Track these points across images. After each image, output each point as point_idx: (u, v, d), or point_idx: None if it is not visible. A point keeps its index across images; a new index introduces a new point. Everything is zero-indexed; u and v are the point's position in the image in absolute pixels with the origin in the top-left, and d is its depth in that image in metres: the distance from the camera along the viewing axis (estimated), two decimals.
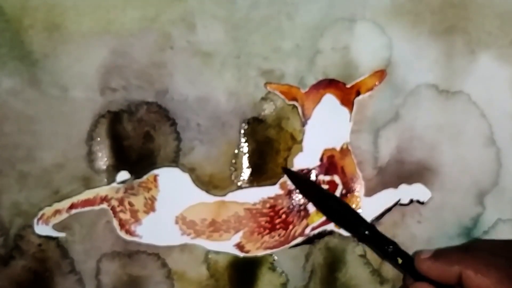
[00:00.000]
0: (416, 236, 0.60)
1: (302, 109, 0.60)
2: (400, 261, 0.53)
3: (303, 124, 0.60)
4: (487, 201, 0.60)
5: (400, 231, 0.60)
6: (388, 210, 0.60)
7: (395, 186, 0.60)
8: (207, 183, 0.59)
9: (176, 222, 0.58)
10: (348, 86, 0.60)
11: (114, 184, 0.59)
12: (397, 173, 0.60)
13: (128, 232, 0.58)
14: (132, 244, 0.59)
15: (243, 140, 0.60)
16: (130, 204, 0.58)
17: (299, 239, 0.59)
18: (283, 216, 0.59)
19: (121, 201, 0.58)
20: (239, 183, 0.60)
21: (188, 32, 0.59)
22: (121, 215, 0.58)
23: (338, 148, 0.59)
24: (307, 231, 0.59)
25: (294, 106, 0.60)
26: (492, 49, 0.60)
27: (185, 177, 0.59)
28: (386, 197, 0.60)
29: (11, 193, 0.58)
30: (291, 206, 0.59)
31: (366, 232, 0.55)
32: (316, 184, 0.58)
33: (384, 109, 0.58)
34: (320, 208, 0.58)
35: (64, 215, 0.58)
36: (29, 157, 0.58)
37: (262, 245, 0.59)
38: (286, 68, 0.60)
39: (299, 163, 0.60)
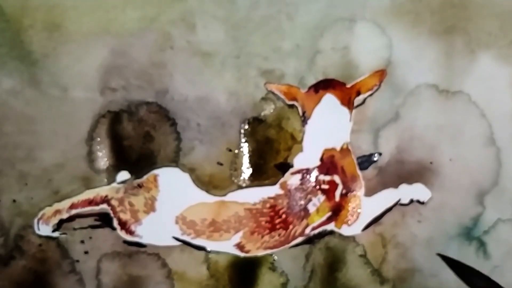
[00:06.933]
0: (416, 235, 0.60)
1: (302, 109, 0.60)
2: None
3: (303, 124, 0.60)
4: (487, 201, 0.60)
5: (400, 231, 0.60)
6: (388, 210, 0.60)
7: (395, 186, 0.60)
8: (207, 183, 0.59)
9: (176, 222, 0.58)
10: (348, 86, 0.60)
11: (114, 184, 0.59)
12: (397, 173, 0.60)
13: (128, 232, 0.58)
14: None
15: (243, 140, 0.60)
16: (130, 204, 0.58)
17: (299, 239, 0.59)
18: (283, 216, 0.59)
19: (121, 201, 0.58)
20: (239, 183, 0.60)
21: (188, 32, 0.59)
22: (121, 215, 0.58)
23: (338, 148, 0.59)
24: (307, 231, 0.59)
25: (294, 106, 0.60)
26: (492, 49, 0.60)
27: (185, 177, 0.59)
28: (386, 197, 0.60)
29: (11, 193, 0.58)
30: (291, 206, 0.59)
31: None
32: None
33: (384, 109, 0.58)
34: None
35: (65, 215, 0.58)
36: (29, 157, 0.58)
37: (262, 245, 0.59)
38: (286, 68, 0.60)
39: (299, 163, 0.60)
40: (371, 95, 0.60)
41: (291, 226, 0.59)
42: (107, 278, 0.59)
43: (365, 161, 0.60)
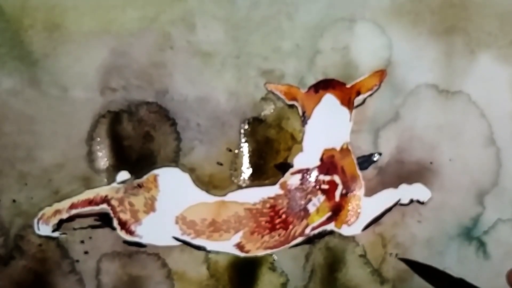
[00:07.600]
0: (416, 235, 0.60)
1: (302, 109, 0.60)
2: None
3: (303, 124, 0.60)
4: (487, 201, 0.60)
5: (400, 231, 0.60)
6: (388, 210, 0.60)
7: (395, 186, 0.60)
8: (207, 183, 0.59)
9: (176, 222, 0.58)
10: (348, 86, 0.60)
11: (114, 184, 0.59)
12: (397, 173, 0.60)
13: (128, 232, 0.58)
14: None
15: (243, 140, 0.60)
16: (130, 204, 0.58)
17: (299, 239, 0.59)
18: (283, 216, 0.59)
19: (121, 201, 0.58)
20: (239, 183, 0.60)
21: (188, 32, 0.59)
22: (121, 215, 0.58)
23: (338, 148, 0.59)
24: (307, 231, 0.59)
25: (294, 106, 0.60)
26: (492, 49, 0.60)
27: (185, 177, 0.59)
28: (386, 197, 0.60)
29: (11, 193, 0.58)
30: (291, 206, 0.59)
31: None
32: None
33: (384, 109, 0.58)
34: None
35: (65, 215, 0.58)
36: (29, 157, 0.58)
37: (262, 245, 0.59)
38: (286, 68, 0.60)
39: (299, 163, 0.60)
40: (371, 95, 0.60)
41: (291, 226, 0.59)
42: (107, 278, 0.59)
43: (365, 161, 0.60)
